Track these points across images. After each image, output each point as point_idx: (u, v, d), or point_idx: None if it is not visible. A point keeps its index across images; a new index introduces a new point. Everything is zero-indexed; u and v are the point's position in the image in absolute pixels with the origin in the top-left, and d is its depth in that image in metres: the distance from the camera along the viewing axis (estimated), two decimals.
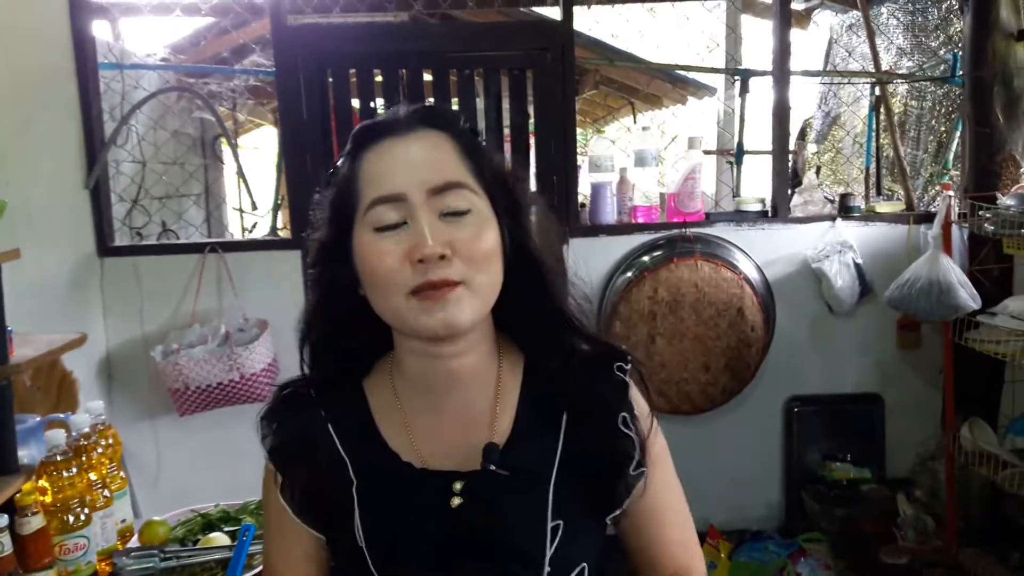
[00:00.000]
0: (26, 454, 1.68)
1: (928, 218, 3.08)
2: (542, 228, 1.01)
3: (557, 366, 0.97)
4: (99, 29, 3.09)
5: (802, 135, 4.81)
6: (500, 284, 0.93)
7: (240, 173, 3.40)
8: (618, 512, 0.97)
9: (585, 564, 0.93)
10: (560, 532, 0.91)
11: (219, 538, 1.70)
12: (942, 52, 3.99)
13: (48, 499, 1.56)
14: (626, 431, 0.95)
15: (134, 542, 1.73)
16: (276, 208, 3.43)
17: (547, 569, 0.90)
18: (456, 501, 0.91)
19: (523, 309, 0.97)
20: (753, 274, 3.02)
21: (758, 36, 5.21)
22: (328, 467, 0.96)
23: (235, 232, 4.64)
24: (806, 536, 3.05)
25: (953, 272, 2.71)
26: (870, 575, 2.84)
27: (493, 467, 0.91)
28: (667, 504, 1.01)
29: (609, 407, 0.96)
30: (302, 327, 0.99)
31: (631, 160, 3.15)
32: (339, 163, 0.96)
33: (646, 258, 2.99)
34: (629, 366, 0.99)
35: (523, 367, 1.00)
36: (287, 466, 0.98)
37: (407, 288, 0.87)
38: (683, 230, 3.01)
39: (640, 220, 3.11)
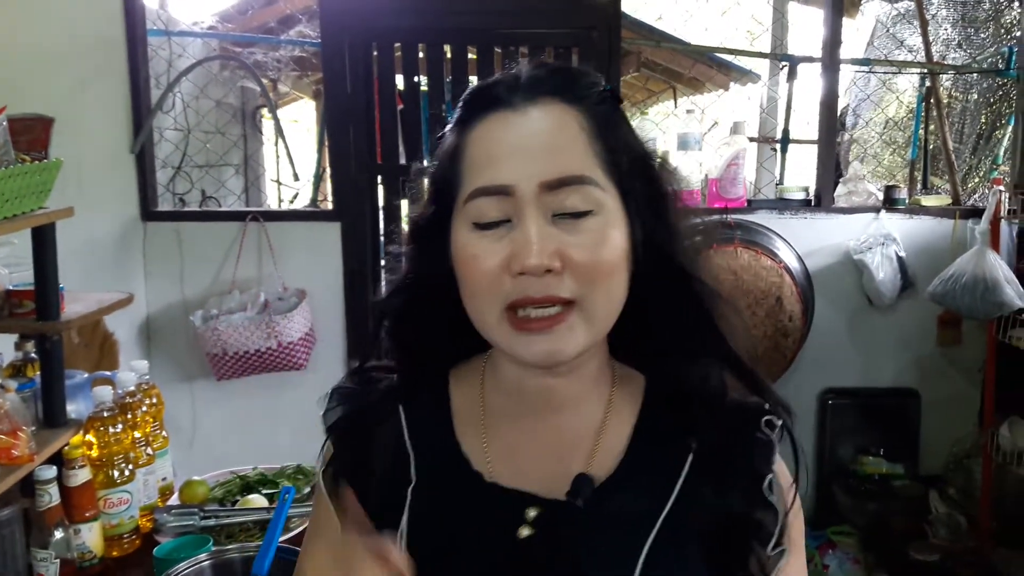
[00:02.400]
0: (73, 409, 1.71)
1: (974, 213, 3.02)
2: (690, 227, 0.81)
3: (687, 401, 0.79)
4: None
5: (842, 124, 4.73)
6: (622, 301, 0.76)
7: (284, 142, 3.42)
8: None
9: None
10: None
11: (257, 500, 1.72)
12: (991, 46, 3.89)
13: (94, 454, 1.60)
14: (770, 499, 0.77)
15: (174, 500, 1.76)
16: (317, 179, 3.45)
17: None
18: (525, 531, 0.76)
19: (655, 325, 0.79)
20: (793, 263, 2.98)
21: (802, 23, 5.15)
22: (387, 456, 0.82)
23: (272, 203, 4.68)
24: (835, 529, 3.02)
25: (1000, 269, 2.66)
26: (899, 571, 2.81)
27: (580, 503, 0.75)
28: None
29: (751, 467, 0.77)
30: (382, 305, 0.86)
31: (673, 143, 3.12)
32: (446, 131, 0.81)
33: None
34: (780, 423, 0.79)
35: (642, 394, 0.83)
36: (342, 441, 0.85)
37: (503, 301, 0.72)
38: (724, 216, 2.98)
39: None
